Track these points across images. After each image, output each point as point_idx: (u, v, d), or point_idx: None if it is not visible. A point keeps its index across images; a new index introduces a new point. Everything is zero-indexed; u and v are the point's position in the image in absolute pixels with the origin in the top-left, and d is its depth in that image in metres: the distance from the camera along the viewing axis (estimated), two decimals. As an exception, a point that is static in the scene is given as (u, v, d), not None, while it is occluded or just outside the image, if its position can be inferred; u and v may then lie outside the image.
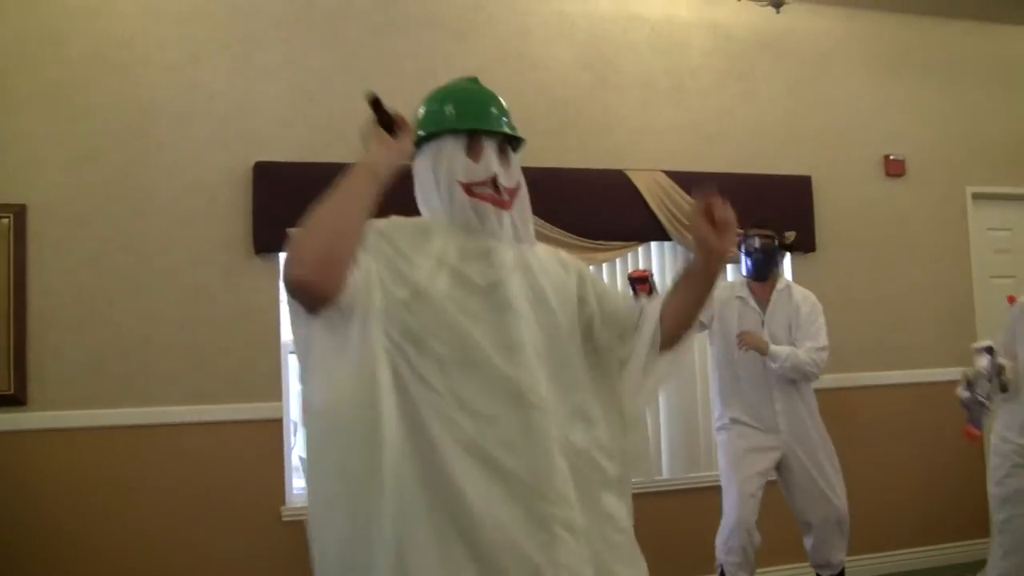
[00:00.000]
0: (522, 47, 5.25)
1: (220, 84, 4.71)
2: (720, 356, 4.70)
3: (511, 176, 2.06)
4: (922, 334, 5.88)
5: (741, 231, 4.55)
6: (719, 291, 4.67)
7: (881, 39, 6.12)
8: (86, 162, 4.48)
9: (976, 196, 6.24)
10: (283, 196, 4.59)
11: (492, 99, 2.11)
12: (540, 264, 2.07)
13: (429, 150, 2.04)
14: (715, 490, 4.71)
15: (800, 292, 4.71)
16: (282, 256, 4.63)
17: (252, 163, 4.67)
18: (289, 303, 1.83)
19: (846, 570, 4.70)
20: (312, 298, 1.77)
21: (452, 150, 2.01)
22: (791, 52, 5.87)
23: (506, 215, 2.01)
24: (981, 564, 4.59)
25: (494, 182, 2.00)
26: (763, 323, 4.60)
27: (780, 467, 4.60)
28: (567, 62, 5.35)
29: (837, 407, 4.94)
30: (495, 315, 1.91)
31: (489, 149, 2.03)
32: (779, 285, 4.70)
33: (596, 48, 5.43)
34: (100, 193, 4.49)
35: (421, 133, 2.05)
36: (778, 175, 5.68)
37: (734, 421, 4.61)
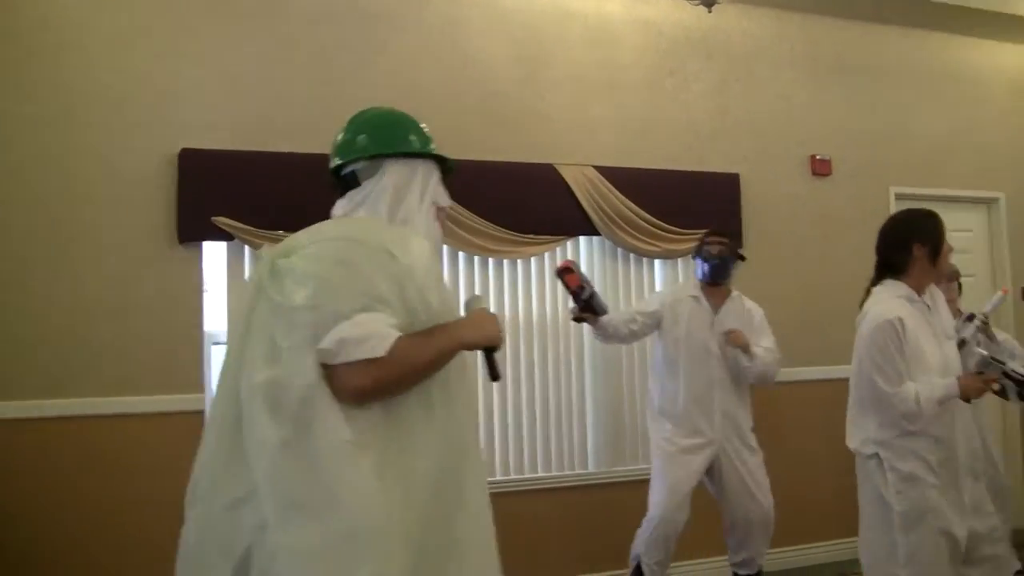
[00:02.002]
0: (455, 39, 5.22)
1: (147, 69, 4.61)
2: (665, 353, 4.76)
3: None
4: (845, 331, 5.92)
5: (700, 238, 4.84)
6: (672, 291, 4.92)
7: (809, 41, 6.23)
8: (5, 146, 4.36)
9: (899, 196, 6.38)
10: (209, 184, 4.53)
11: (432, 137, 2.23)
12: None
13: (399, 167, 2.11)
14: (642, 483, 4.75)
15: (749, 302, 4.85)
16: (206, 245, 4.61)
17: (178, 150, 4.58)
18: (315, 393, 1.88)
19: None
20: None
21: (430, 174, 2.15)
22: (721, 51, 5.93)
23: None
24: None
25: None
26: (712, 324, 4.69)
27: (711, 466, 4.67)
28: (500, 55, 5.34)
29: (761, 402, 5.00)
30: None
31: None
32: (732, 294, 4.82)
33: (529, 42, 5.43)
34: (19, 178, 4.37)
35: (415, 147, 2.14)
36: (707, 172, 5.75)
37: (668, 419, 4.69)
